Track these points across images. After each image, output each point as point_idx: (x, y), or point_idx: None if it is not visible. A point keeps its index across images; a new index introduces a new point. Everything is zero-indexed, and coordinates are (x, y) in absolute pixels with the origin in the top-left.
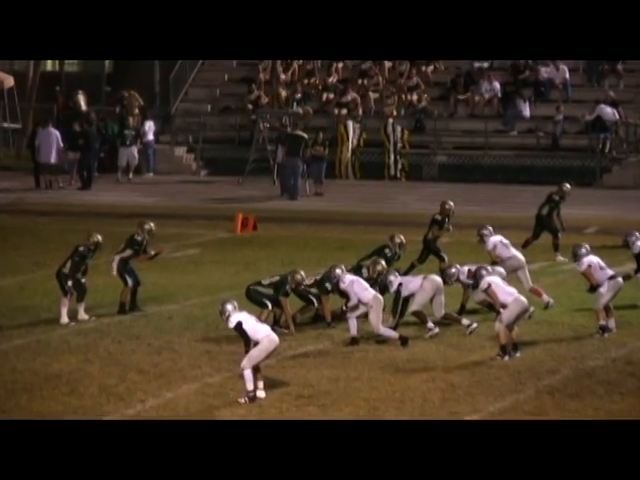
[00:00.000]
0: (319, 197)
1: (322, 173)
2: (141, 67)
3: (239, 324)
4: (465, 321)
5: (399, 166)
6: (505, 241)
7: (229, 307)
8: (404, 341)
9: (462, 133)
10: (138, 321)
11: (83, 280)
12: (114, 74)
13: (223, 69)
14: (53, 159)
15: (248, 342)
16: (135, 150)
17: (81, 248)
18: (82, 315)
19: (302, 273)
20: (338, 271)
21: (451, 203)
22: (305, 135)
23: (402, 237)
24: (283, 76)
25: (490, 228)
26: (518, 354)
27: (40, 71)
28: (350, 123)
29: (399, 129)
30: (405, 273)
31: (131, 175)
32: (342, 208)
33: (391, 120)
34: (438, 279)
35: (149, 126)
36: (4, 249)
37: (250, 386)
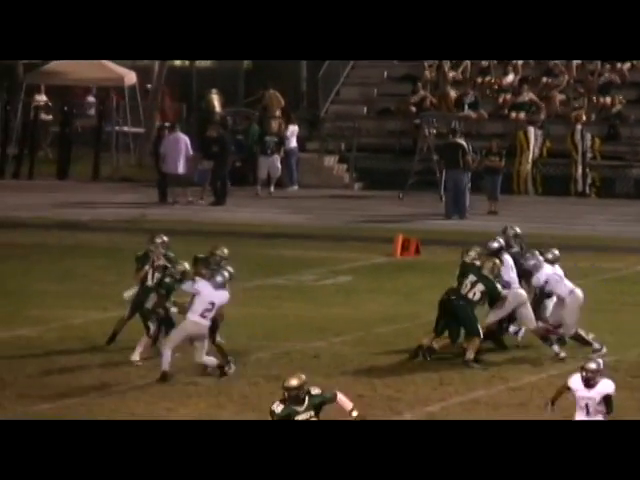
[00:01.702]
0: (493, 215)
1: (497, 188)
2: (285, 63)
3: None
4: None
5: (588, 180)
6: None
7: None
8: (222, 371)
9: None
10: (279, 360)
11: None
12: (254, 71)
13: (381, 65)
14: (181, 169)
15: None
16: (277, 160)
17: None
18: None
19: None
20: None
21: None
22: (463, 142)
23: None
24: (452, 74)
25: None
26: None
27: (167, 67)
28: (531, 129)
29: (589, 137)
30: None
31: (272, 188)
32: (520, 229)
33: (579, 126)
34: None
35: (292, 131)
36: (122, 275)
37: None
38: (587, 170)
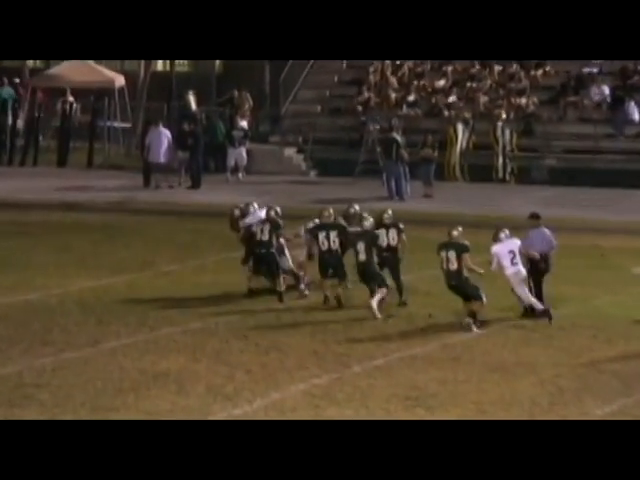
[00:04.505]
0: (428, 199)
1: (431, 175)
2: (251, 68)
3: None
4: None
5: (508, 169)
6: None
7: None
8: None
9: (571, 137)
10: (246, 320)
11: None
12: (224, 75)
13: (333, 71)
14: (163, 158)
15: None
16: (244, 150)
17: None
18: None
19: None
20: None
21: None
22: (397, 137)
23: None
24: (393, 78)
25: (507, 231)
26: None
27: (151, 71)
28: (460, 126)
29: (508, 132)
30: None
31: (241, 175)
32: (450, 210)
33: (500, 123)
34: None
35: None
36: (113, 248)
37: None
38: (507, 160)
